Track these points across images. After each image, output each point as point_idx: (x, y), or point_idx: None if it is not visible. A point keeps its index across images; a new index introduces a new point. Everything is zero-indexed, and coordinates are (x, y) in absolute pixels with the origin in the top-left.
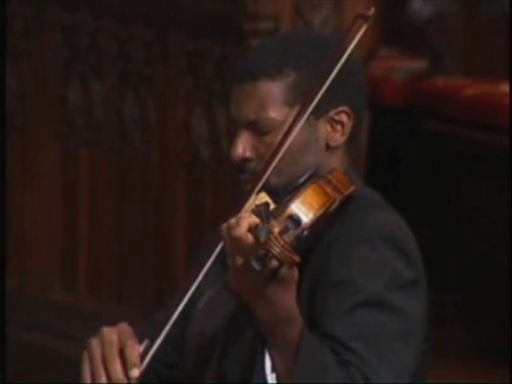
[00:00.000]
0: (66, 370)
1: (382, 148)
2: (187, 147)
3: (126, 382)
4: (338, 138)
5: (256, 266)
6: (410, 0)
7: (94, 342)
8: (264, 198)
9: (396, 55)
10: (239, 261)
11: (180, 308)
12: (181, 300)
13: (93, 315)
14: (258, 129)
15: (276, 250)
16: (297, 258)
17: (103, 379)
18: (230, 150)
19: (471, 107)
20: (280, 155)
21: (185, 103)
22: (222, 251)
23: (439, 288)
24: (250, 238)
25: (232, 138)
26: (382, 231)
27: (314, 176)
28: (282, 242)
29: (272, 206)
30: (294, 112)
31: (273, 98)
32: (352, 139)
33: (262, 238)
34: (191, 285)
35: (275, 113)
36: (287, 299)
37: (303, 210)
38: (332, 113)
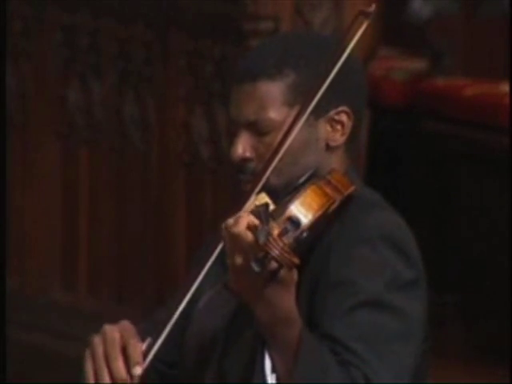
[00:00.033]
0: (66, 370)
1: (382, 148)
2: (187, 147)
3: (128, 379)
4: (338, 137)
5: (255, 267)
6: (409, 0)
7: (97, 340)
8: (264, 198)
9: (396, 55)
10: (238, 260)
11: (181, 307)
12: (181, 299)
13: (93, 315)
14: (258, 129)
15: (275, 252)
16: (296, 260)
17: (106, 377)
18: (230, 150)
19: (471, 107)
20: (280, 155)
21: (185, 103)
22: (222, 251)
23: (439, 288)
24: (249, 235)
25: (232, 138)
26: (382, 231)
27: (314, 176)
28: (281, 244)
29: (272, 206)
30: (294, 112)
31: (272, 99)
32: (352, 139)
33: (262, 239)
34: (192, 285)
35: (275, 113)
36: (286, 300)
37: (302, 211)
38: (332, 113)
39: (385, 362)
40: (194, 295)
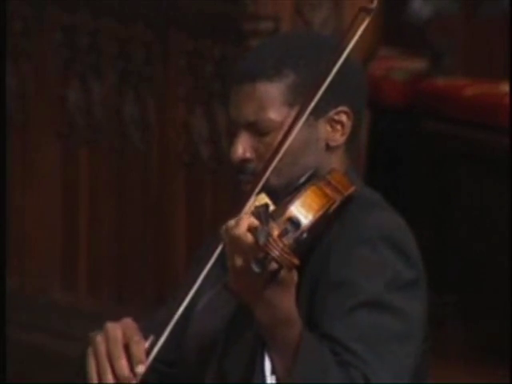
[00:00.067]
0: (66, 370)
1: (382, 148)
2: (187, 147)
3: (131, 378)
4: (338, 138)
5: (255, 268)
6: (410, 0)
7: (99, 338)
8: (264, 199)
9: (396, 55)
10: (238, 261)
11: (184, 306)
12: (183, 299)
13: (93, 315)
14: (258, 130)
15: (275, 252)
16: (296, 261)
17: (109, 376)
18: (230, 150)
19: (471, 107)
20: (280, 156)
21: (185, 103)
22: (222, 253)
23: (439, 288)
24: (249, 237)
25: (232, 138)
26: (382, 232)
27: (314, 176)
28: (281, 244)
29: (272, 207)
30: (294, 112)
31: (272, 99)
32: (352, 139)
33: (262, 240)
34: (192, 286)
35: (275, 113)
36: (286, 301)
37: (303, 212)
38: (331, 113)
39: (385, 363)
40: (194, 296)
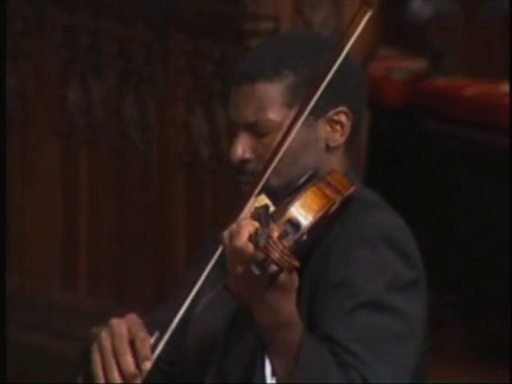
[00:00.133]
0: (66, 370)
1: (382, 148)
2: (187, 147)
3: (137, 374)
4: (338, 138)
5: (255, 270)
6: (409, 0)
7: (104, 334)
8: (264, 200)
9: (396, 55)
10: (239, 269)
11: (187, 304)
12: (184, 300)
13: (93, 315)
14: (257, 130)
15: (275, 255)
16: (296, 263)
17: (115, 373)
18: (230, 151)
19: (471, 107)
20: (279, 156)
21: (185, 103)
22: (223, 254)
23: (439, 288)
24: (250, 247)
25: (232, 138)
26: (382, 232)
27: (314, 176)
28: (281, 246)
29: (271, 208)
30: (293, 113)
31: (271, 100)
32: (352, 139)
33: (262, 242)
34: (193, 286)
35: (274, 114)
36: (287, 305)
37: (302, 213)
38: (331, 113)
39: (384, 363)
40: (194, 297)
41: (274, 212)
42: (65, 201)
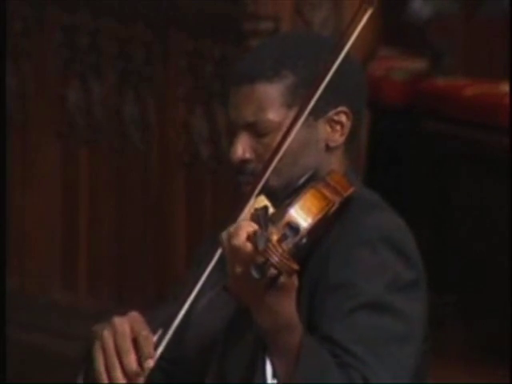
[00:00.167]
0: (66, 370)
1: (382, 148)
2: (187, 147)
3: (141, 372)
4: (338, 138)
5: (255, 274)
6: (409, 0)
7: (106, 333)
8: (263, 201)
9: (396, 55)
10: (238, 270)
11: (189, 302)
12: (184, 301)
13: (93, 315)
14: (257, 130)
15: (275, 258)
16: (295, 267)
17: (118, 371)
18: (230, 151)
19: (471, 107)
20: (279, 156)
21: (185, 103)
22: (222, 255)
23: (439, 288)
24: (248, 247)
25: (231, 138)
26: (382, 233)
27: (314, 177)
28: (280, 250)
29: (271, 209)
30: (293, 113)
31: (271, 100)
32: (351, 140)
33: (261, 246)
34: (193, 287)
35: (274, 114)
36: (287, 307)
37: (302, 216)
38: (331, 113)
39: (385, 364)
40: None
41: (274, 214)
42: (65, 201)
